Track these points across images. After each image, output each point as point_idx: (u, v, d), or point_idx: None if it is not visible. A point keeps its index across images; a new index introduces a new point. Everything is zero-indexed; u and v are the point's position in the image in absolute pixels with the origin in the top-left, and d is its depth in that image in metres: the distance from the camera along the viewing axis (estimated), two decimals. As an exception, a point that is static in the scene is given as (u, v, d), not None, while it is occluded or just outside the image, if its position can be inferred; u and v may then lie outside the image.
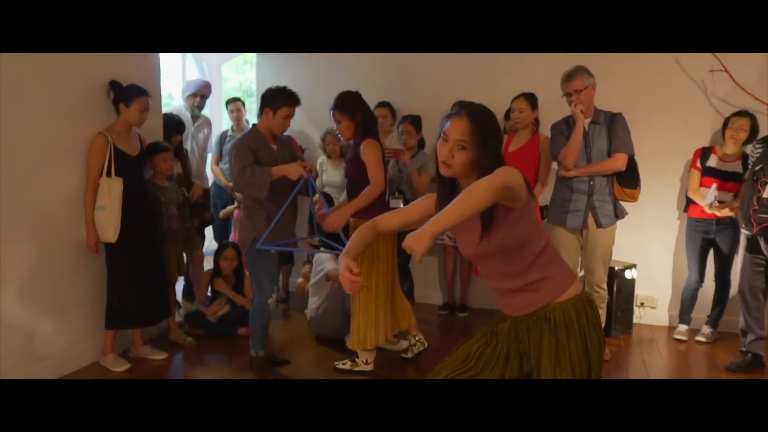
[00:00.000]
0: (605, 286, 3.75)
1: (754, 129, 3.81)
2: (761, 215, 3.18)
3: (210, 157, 5.05)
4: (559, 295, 1.68)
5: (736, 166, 3.87)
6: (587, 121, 3.57)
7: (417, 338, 3.58)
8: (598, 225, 3.58)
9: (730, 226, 3.89)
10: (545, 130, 3.92)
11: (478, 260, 1.76)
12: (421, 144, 4.51)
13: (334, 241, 3.34)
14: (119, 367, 3.36)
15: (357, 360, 3.40)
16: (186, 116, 4.52)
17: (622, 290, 4.12)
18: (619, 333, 4.13)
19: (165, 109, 4.50)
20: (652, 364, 3.63)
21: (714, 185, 3.83)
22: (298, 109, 3.22)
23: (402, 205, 4.38)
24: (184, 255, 4.05)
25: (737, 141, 3.82)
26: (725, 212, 3.80)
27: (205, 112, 4.79)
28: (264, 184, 3.06)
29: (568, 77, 3.51)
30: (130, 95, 3.34)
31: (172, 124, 4.12)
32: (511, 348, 1.75)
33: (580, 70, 3.44)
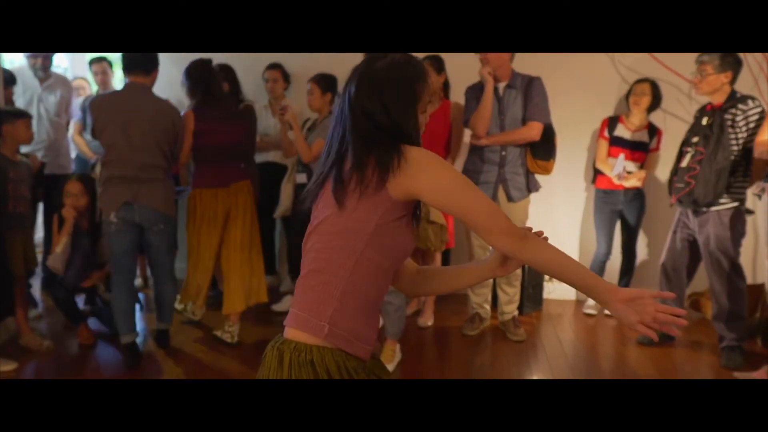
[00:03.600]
0: (518, 263, 3.58)
1: (656, 94, 3.74)
2: (677, 185, 3.09)
3: (72, 126, 4.30)
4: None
5: (643, 136, 3.79)
6: (502, 85, 3.32)
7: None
8: (509, 199, 3.38)
9: (637, 196, 3.82)
10: (458, 96, 3.59)
11: None
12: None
13: None
14: (-50, 385, 2.70)
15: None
16: (29, 75, 3.77)
17: (533, 265, 3.96)
18: (530, 310, 3.98)
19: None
20: (568, 341, 3.50)
21: (622, 155, 3.73)
22: (173, 77, 2.92)
23: (306, 180, 3.91)
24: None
25: (640, 106, 3.73)
26: (633, 183, 3.72)
27: (60, 71, 4.04)
28: None
29: None
30: None
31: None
32: None
33: None
